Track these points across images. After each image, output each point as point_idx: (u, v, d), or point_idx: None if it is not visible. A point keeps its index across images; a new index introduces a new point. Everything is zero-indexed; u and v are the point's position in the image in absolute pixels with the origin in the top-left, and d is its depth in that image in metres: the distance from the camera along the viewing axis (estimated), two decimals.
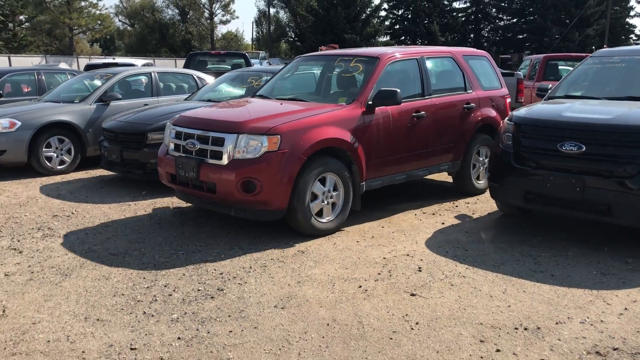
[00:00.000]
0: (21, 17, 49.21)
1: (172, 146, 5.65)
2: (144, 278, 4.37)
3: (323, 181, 5.38)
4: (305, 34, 49.50)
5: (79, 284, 4.25)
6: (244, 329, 3.56)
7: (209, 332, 3.50)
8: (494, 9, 50.30)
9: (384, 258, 4.84)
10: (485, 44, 49.36)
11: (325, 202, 5.42)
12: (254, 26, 61.26)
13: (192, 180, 5.33)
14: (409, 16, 50.41)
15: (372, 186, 5.90)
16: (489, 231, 5.61)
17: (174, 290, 4.14)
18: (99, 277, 4.39)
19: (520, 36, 47.69)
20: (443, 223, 5.89)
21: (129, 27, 59.70)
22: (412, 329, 3.56)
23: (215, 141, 5.19)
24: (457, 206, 6.58)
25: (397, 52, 6.40)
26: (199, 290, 4.15)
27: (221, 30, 61.25)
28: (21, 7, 47.86)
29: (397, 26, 51.48)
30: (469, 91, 6.90)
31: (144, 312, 3.78)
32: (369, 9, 47.39)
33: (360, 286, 4.23)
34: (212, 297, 4.03)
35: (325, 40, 40.75)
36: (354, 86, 6.10)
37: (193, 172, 5.28)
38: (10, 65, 30.28)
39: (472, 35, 50.69)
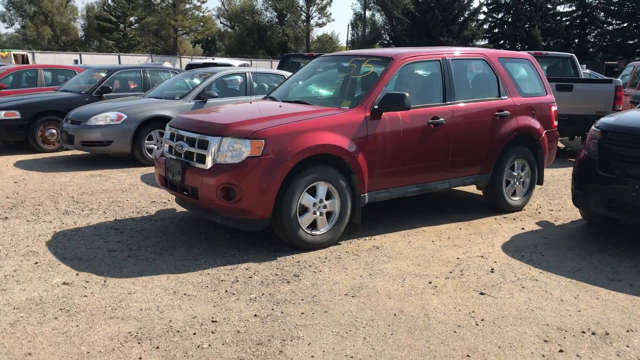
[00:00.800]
0: (131, 19, 52.53)
1: (166, 147, 5.46)
2: (228, 261, 4.72)
3: (315, 191, 4.98)
4: (401, 36, 49.39)
5: (170, 262, 4.66)
6: (315, 312, 3.79)
7: (282, 312, 3.77)
8: (602, 13, 47.78)
9: (458, 258, 4.92)
10: (591, 49, 47.08)
11: (317, 214, 5.00)
12: (350, 29, 61.88)
13: (179, 184, 5.12)
14: (509, 20, 49.06)
15: (378, 198, 5.42)
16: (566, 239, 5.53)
17: (254, 273, 4.46)
18: (189, 257, 4.79)
19: (631, 42, 44.98)
20: (523, 228, 5.86)
21: (229, 29, 62.10)
22: (477, 324, 3.65)
23: (201, 144, 4.95)
24: (539, 212, 6.50)
25: (415, 52, 5.90)
26: (276, 274, 4.44)
27: (317, 32, 62.28)
28: (132, 10, 51.16)
29: (496, 30, 50.26)
30: (503, 97, 6.27)
31: (226, 291, 4.12)
32: (467, 12, 46.60)
33: (430, 282, 4.35)
34: (288, 282, 4.30)
35: (420, 43, 40.53)
36: (363, 89, 5.68)
37: (179, 175, 5.05)
38: (119, 63, 32.49)
39: (576, 40, 48.49)
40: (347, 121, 5.13)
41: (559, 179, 8.40)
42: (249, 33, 57.79)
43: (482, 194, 6.65)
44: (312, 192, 4.96)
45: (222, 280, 4.31)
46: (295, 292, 4.12)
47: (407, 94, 5.21)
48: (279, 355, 3.23)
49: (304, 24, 59.65)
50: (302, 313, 3.78)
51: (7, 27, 55.36)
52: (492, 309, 3.89)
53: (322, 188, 5.00)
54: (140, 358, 3.17)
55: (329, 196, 5.06)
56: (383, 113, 5.29)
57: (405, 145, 5.46)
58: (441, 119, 5.66)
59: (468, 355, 3.27)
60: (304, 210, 4.94)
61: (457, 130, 5.80)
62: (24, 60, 28.02)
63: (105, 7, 52.36)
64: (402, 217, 6.11)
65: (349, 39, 60.06)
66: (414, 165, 5.58)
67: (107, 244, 5.14)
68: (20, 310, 3.74)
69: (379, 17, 59.86)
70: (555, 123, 6.83)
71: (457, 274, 4.53)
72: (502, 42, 49.06)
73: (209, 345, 3.33)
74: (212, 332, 3.48)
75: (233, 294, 4.08)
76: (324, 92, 6.61)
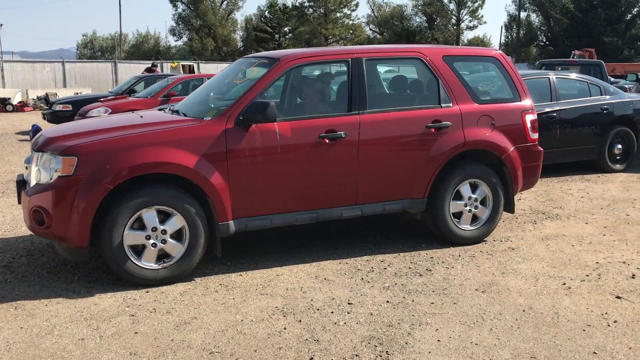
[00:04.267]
0: (285, 29, 55.33)
1: None
2: (365, 253, 5.08)
3: (163, 218, 4.29)
4: (558, 37, 46.87)
5: (312, 251, 5.10)
6: (444, 303, 4.02)
7: (413, 301, 4.04)
8: None
9: (597, 262, 4.84)
10: None
11: (152, 243, 4.25)
12: (503, 31, 59.72)
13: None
14: None
15: (252, 226, 4.59)
16: None
17: (388, 265, 4.77)
18: (329, 247, 5.22)
19: None
20: None
21: (378, 35, 62.92)
22: (609, 325, 3.64)
23: (32, 160, 4.49)
24: None
25: (312, 52, 5.03)
26: (409, 268, 4.72)
27: (467, 35, 60.80)
28: (286, 20, 53.91)
29: None
30: (444, 105, 5.12)
31: (362, 279, 4.48)
32: (635, 9, 43.08)
33: (564, 284, 4.36)
34: (420, 275, 4.55)
35: (580, 44, 38.16)
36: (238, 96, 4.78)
37: (18, 196, 4.71)
38: None
39: None
40: (199, 135, 4.38)
41: None
42: (397, 39, 58.10)
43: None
44: (152, 219, 4.26)
45: (358, 269, 4.68)
46: (427, 284, 4.37)
47: (272, 103, 4.44)
48: (407, 337, 3.51)
49: (454, 27, 58.75)
50: (432, 303, 4.02)
51: (176, 40, 60.92)
52: (627, 312, 3.84)
53: (163, 215, 4.30)
54: (285, 328, 3.63)
55: (179, 231, 4.37)
56: (252, 125, 4.49)
57: (287, 164, 4.60)
58: (340, 133, 4.71)
59: (595, 352, 3.31)
60: (135, 240, 4.25)
61: (366, 146, 4.82)
62: (191, 70, 30.78)
63: (262, 19, 55.72)
64: (544, 222, 6.06)
65: (502, 41, 58.07)
66: (304, 188, 4.70)
67: (263, 233, 5.72)
68: (188, 283, 4.39)
69: (534, 18, 57.22)
70: (534, 136, 5.50)
71: (594, 277, 4.48)
72: None
73: (345, 323, 3.70)
74: (348, 312, 3.85)
75: (368, 282, 4.42)
76: (211, 99, 5.46)
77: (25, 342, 3.45)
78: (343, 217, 4.92)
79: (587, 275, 4.53)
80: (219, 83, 5.72)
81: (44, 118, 15.14)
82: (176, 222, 4.31)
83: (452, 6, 57.94)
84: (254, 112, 4.43)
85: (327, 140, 4.70)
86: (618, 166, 8.93)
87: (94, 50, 68.06)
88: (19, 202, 4.70)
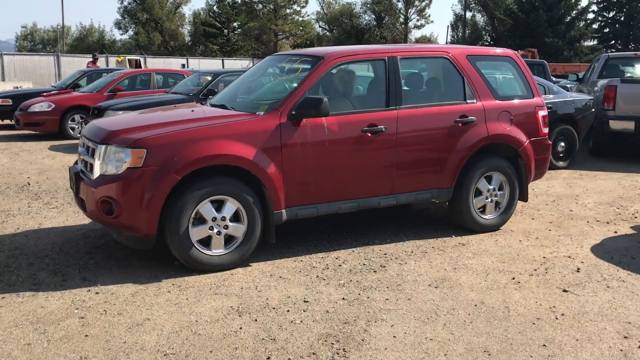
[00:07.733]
0: (234, 24, 54.74)
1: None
2: (320, 250, 5.09)
3: (218, 206, 4.49)
4: (502, 37, 48.12)
5: (267, 249, 5.06)
6: (399, 299, 4.06)
7: (368, 297, 4.07)
8: None
9: (544, 257, 4.99)
10: None
11: (216, 231, 4.49)
12: (449, 30, 60.97)
13: (76, 196, 4.84)
14: (622, 18, 46.50)
15: (301, 215, 4.86)
16: None
17: (343, 262, 4.78)
18: (284, 245, 5.19)
19: None
20: (616, 232, 5.79)
21: (327, 33, 63.12)
22: (557, 318, 3.76)
23: (92, 152, 4.59)
24: (636, 217, 6.36)
25: (353, 51, 5.36)
26: (364, 264, 4.75)
27: (415, 34, 61.80)
28: (235, 15, 53.33)
29: (607, 29, 47.79)
30: (469, 101, 5.49)
31: (317, 276, 4.48)
32: (574, 12, 44.69)
33: (514, 278, 4.48)
34: (374, 271, 4.59)
35: (523, 45, 39.32)
36: (286, 92, 5.10)
37: (74, 187, 4.81)
38: (223, 67, 34.09)
39: None
40: (255, 129, 4.61)
41: None
42: (347, 36, 58.47)
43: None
44: (213, 208, 4.49)
45: (313, 267, 4.68)
46: (381, 280, 4.41)
47: (325, 98, 4.63)
48: (364, 334, 3.53)
49: (402, 26, 59.55)
50: (387, 299, 4.05)
51: (122, 34, 59.39)
52: (573, 305, 3.98)
53: (225, 204, 4.51)
54: (241, 328, 3.58)
55: (236, 213, 4.57)
56: (303, 120, 4.72)
57: (334, 156, 4.87)
58: (380, 127, 5.00)
59: (544, 345, 3.41)
60: (201, 234, 4.46)
61: (403, 140, 5.14)
62: (137, 64, 30.14)
63: (210, 14, 54.96)
64: None
65: (449, 40, 59.22)
66: (348, 179, 4.98)
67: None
68: (139, 284, 4.28)
69: (479, 18, 58.68)
70: (545, 130, 5.96)
71: (542, 272, 4.62)
72: (612, 42, 46.56)
73: (301, 321, 3.69)
74: (304, 311, 3.84)
75: (323, 279, 4.42)
76: (256, 95, 5.75)
77: None
78: (380, 205, 5.24)
79: (535, 270, 4.67)
80: (254, 79, 6.05)
81: None
82: (231, 206, 4.52)
83: (400, 5, 58.74)
84: (308, 107, 4.65)
85: (369, 134, 4.99)
86: (561, 163, 9.27)
87: (34, 42, 65.70)
88: (77, 194, 4.77)
